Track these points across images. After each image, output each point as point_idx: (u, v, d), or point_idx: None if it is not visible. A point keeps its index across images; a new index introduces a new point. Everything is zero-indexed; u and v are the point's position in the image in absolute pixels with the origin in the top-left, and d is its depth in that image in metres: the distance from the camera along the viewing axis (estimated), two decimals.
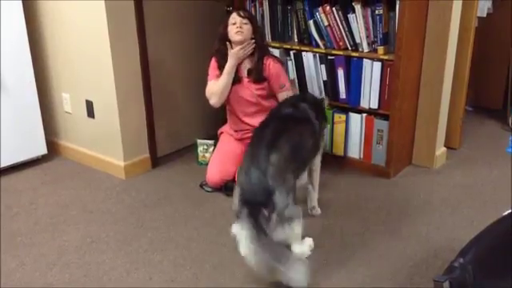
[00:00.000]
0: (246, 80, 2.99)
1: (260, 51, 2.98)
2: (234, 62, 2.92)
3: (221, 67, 2.99)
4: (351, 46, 3.15)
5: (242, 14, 2.93)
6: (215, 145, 3.29)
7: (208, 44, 3.16)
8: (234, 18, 2.92)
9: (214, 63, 3.04)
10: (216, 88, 2.97)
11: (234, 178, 3.00)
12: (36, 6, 3.32)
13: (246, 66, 3.00)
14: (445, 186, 3.13)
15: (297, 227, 2.27)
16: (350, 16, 3.07)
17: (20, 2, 3.18)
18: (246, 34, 2.91)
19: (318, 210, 2.80)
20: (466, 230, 2.60)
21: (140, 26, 3.13)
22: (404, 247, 2.48)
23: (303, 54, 3.32)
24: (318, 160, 2.76)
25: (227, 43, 2.93)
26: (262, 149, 2.30)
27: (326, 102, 2.99)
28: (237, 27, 2.89)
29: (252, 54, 2.98)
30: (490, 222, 1.60)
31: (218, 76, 2.98)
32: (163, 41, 3.39)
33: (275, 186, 2.19)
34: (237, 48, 2.90)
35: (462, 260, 1.30)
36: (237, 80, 2.99)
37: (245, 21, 2.91)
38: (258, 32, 2.99)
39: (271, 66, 2.99)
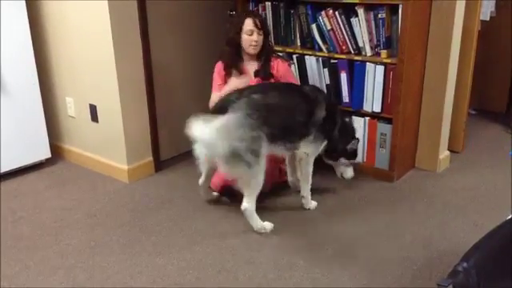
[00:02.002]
0: (254, 81, 2.98)
1: (267, 53, 2.98)
2: (231, 88, 2.90)
3: (229, 71, 2.98)
4: (354, 50, 3.15)
5: (258, 24, 2.88)
6: None
7: (211, 47, 3.18)
8: (252, 29, 2.87)
9: (218, 70, 3.01)
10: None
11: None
12: (40, 10, 3.34)
13: (253, 67, 3.00)
14: (448, 189, 3.12)
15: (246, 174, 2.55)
16: (353, 20, 3.07)
17: (24, 7, 3.20)
18: (259, 46, 2.93)
19: (311, 204, 2.89)
20: (470, 233, 2.60)
21: (143, 30, 3.14)
22: (407, 251, 2.48)
23: (306, 57, 3.33)
24: (306, 149, 2.78)
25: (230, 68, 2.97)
26: (251, 88, 2.73)
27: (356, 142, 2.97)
28: (254, 41, 2.89)
29: (258, 57, 2.99)
30: (493, 225, 1.60)
31: (221, 85, 2.96)
32: (166, 45, 3.41)
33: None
34: (237, 82, 2.89)
35: (465, 264, 1.30)
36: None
37: (260, 32, 2.90)
38: (268, 37, 2.99)
39: (280, 66, 3.00)
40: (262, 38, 2.92)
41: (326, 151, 2.92)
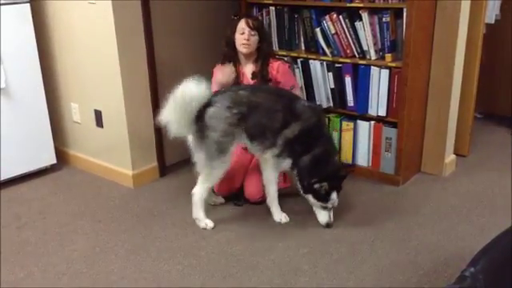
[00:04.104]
0: (251, 83, 2.98)
1: (264, 56, 2.97)
2: (217, 80, 2.95)
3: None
4: (358, 54, 3.15)
5: (251, 24, 2.89)
6: None
7: (217, 52, 3.17)
8: (243, 28, 2.89)
9: (215, 74, 3.01)
10: None
11: (242, 187, 3.00)
12: (45, 16, 3.36)
13: (250, 70, 3.00)
14: (454, 193, 3.11)
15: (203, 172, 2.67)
16: (357, 24, 3.07)
17: (29, 13, 3.21)
18: (252, 46, 2.92)
19: (276, 215, 2.81)
20: (476, 237, 2.58)
21: (148, 35, 3.15)
22: (414, 255, 2.46)
23: (310, 61, 3.32)
24: (268, 158, 2.72)
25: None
26: (244, 85, 2.87)
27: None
28: (244, 39, 2.89)
29: (256, 60, 2.98)
30: (500, 229, 1.58)
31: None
32: (171, 50, 3.41)
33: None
34: (220, 76, 2.94)
35: (472, 269, 1.28)
36: None
37: (253, 32, 2.89)
38: (264, 41, 2.97)
39: (280, 68, 2.99)
40: (254, 38, 2.91)
41: (297, 178, 2.73)
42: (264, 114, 2.68)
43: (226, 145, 2.64)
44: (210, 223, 2.75)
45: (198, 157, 2.66)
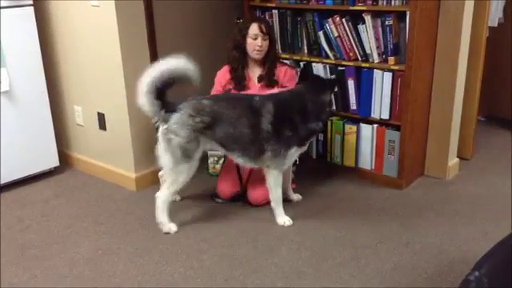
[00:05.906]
0: (257, 86, 2.98)
1: (272, 60, 2.97)
2: None
3: (235, 76, 2.98)
4: (361, 57, 3.15)
5: (264, 29, 2.87)
6: (225, 156, 3.28)
7: (219, 56, 3.18)
8: (256, 33, 2.87)
9: (223, 73, 3.02)
10: None
11: (244, 190, 3.00)
12: (48, 19, 3.37)
13: (257, 73, 3.00)
14: (458, 197, 3.10)
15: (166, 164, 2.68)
16: (360, 27, 3.07)
17: (33, 15, 3.22)
18: (265, 51, 2.92)
19: (280, 218, 2.80)
20: (480, 241, 2.57)
21: (151, 38, 3.16)
22: (417, 259, 2.45)
23: (313, 64, 3.33)
24: (269, 163, 2.71)
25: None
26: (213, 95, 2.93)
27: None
28: (257, 45, 2.88)
29: (263, 63, 2.98)
30: (504, 233, 1.58)
31: (219, 91, 2.98)
32: (174, 52, 3.40)
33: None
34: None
35: (477, 273, 1.28)
36: (247, 90, 2.99)
37: (265, 37, 2.89)
38: (274, 45, 2.98)
39: (288, 73, 3.00)
40: (266, 43, 2.91)
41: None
42: (229, 123, 2.65)
43: (191, 151, 2.65)
44: (173, 227, 2.74)
45: (164, 160, 2.68)
